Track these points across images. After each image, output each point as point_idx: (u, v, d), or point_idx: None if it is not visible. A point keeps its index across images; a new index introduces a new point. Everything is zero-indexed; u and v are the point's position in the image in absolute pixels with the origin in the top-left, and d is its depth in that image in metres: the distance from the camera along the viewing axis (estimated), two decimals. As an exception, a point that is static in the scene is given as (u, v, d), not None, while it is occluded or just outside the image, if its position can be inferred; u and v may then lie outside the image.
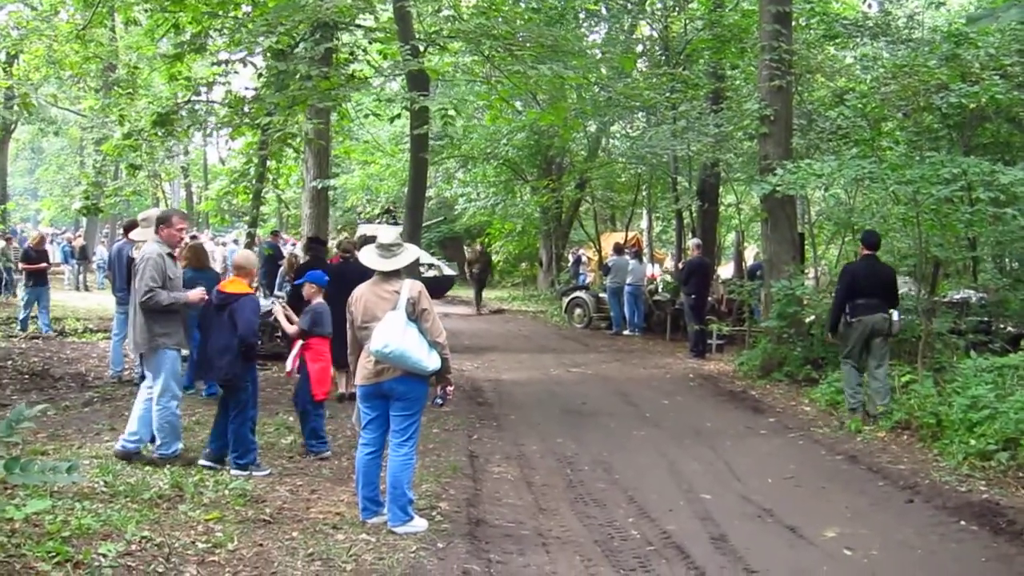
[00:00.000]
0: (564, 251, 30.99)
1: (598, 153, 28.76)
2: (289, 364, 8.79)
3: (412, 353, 6.38)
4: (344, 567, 5.73)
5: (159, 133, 14.13)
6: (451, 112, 13.79)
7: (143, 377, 8.34)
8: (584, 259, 31.19)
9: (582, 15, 22.22)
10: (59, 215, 41.23)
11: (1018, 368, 9.84)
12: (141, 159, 15.10)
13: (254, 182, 16.62)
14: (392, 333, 6.33)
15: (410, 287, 6.53)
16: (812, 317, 14.32)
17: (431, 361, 6.48)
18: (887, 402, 10.68)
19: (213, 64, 14.85)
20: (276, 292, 16.80)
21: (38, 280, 17.37)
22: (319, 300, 9.03)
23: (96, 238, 34.97)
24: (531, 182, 29.50)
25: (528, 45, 14.20)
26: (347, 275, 11.90)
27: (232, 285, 8.07)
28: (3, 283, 24.08)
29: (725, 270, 25.13)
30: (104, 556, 5.37)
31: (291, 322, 9.01)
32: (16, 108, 24.97)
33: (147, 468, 7.57)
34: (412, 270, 6.78)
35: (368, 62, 16.50)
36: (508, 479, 8.41)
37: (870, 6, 21.51)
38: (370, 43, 16.57)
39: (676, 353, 17.56)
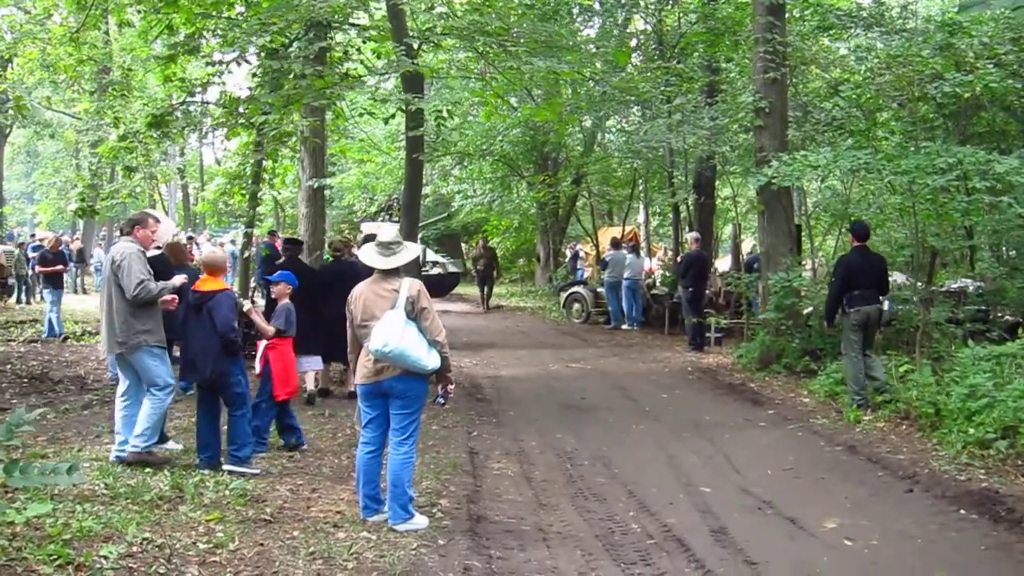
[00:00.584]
0: (561, 246, 30.99)
1: (594, 148, 28.75)
2: (257, 365, 8.80)
3: (412, 352, 6.37)
4: (345, 565, 5.74)
5: (154, 135, 14.12)
6: (444, 113, 13.80)
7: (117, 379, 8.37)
8: (582, 254, 31.20)
9: (576, 10, 22.19)
10: (56, 218, 41.19)
11: (1016, 356, 9.85)
12: (137, 161, 15.09)
13: (250, 183, 16.61)
14: (391, 332, 6.33)
15: (409, 285, 6.51)
16: (810, 308, 14.34)
17: (431, 360, 6.48)
18: (878, 384, 10.74)
19: (207, 64, 14.81)
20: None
21: (55, 283, 17.41)
22: (287, 300, 9.05)
23: (93, 241, 34.95)
24: (527, 178, 29.47)
25: (522, 41, 14.18)
26: (340, 274, 12.00)
27: (207, 283, 8.02)
28: (22, 290, 23.98)
29: (722, 263, 25.13)
30: (105, 558, 5.38)
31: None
32: (11, 112, 24.91)
33: (147, 470, 7.56)
34: (411, 269, 6.71)
35: (362, 62, 16.47)
36: (508, 475, 8.42)
37: (863, -3, 21.51)
38: (364, 42, 16.54)
39: (674, 347, 17.57)
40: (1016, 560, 6.22)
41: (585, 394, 12.80)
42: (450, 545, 6.24)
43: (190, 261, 16.45)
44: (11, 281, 24.51)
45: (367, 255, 6.73)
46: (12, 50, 20.41)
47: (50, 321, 16.98)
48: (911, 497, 7.69)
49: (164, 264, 9.14)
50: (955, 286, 15.15)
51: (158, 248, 9.07)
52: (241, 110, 13.89)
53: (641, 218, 30.82)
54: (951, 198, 11.69)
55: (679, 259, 20.01)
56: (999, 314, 13.93)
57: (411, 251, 6.87)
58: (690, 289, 17.26)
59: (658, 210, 30.25)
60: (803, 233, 17.16)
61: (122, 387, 8.08)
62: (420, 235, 19.19)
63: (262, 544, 5.97)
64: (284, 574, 5.55)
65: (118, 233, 9.09)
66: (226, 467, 7.77)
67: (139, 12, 17.58)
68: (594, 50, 19.65)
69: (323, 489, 7.48)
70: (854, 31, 17.29)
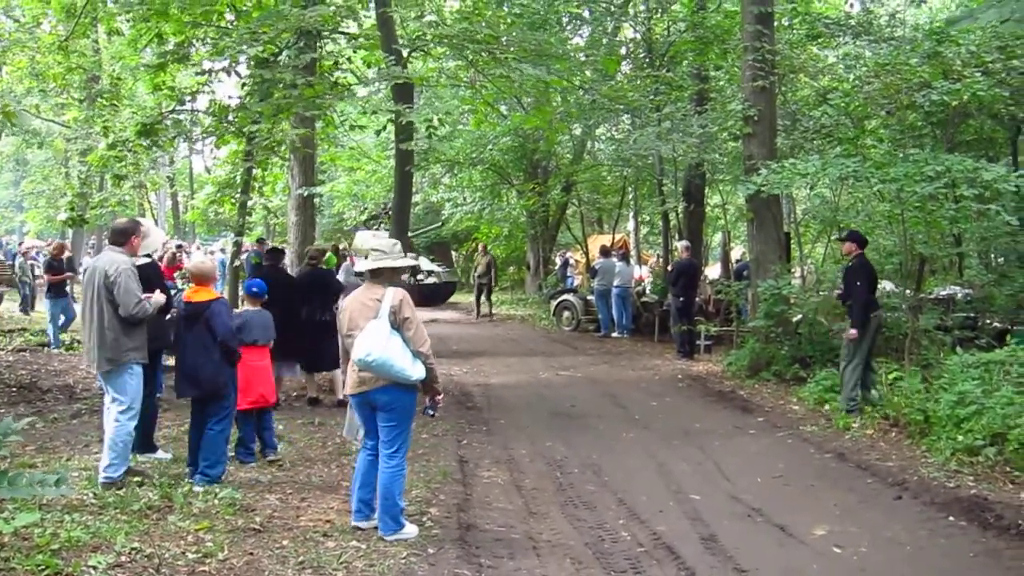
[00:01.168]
0: (551, 254, 30.99)
1: (583, 156, 28.78)
2: None
3: (395, 362, 6.34)
4: (335, 575, 5.74)
5: (144, 143, 14.09)
6: (435, 123, 13.81)
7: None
8: (572, 262, 31.21)
9: (565, 19, 22.26)
10: (44, 227, 41.05)
11: (1004, 363, 9.87)
12: (126, 170, 15.05)
13: (240, 191, 16.60)
14: (375, 342, 6.31)
15: (392, 295, 6.48)
16: (799, 316, 14.35)
17: (415, 370, 6.44)
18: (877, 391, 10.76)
19: (197, 73, 14.80)
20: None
21: (59, 292, 17.20)
22: (255, 308, 8.99)
23: (83, 250, 34.81)
24: (517, 186, 29.49)
25: (512, 49, 14.21)
26: (317, 282, 12.04)
27: (198, 294, 7.94)
28: (25, 299, 23.64)
29: (712, 271, 25.17)
30: (94, 568, 5.38)
31: None
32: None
33: (135, 480, 7.54)
34: (391, 278, 6.64)
35: (352, 71, 16.49)
36: (498, 483, 8.42)
37: (852, 5, 21.65)
38: (354, 51, 16.56)
39: (664, 354, 17.58)
40: (1005, 567, 6.24)
41: (575, 402, 12.80)
42: (440, 554, 6.23)
43: (179, 269, 16.46)
44: (1, 289, 24.38)
45: (364, 264, 6.72)
46: (1, 58, 20.37)
47: (53, 331, 16.75)
48: (900, 504, 7.71)
49: (154, 273, 9.03)
50: (944, 293, 15.19)
51: (148, 256, 8.97)
52: (231, 119, 13.88)
53: (631, 226, 30.87)
54: (939, 206, 11.73)
55: (669, 267, 20.05)
56: (987, 321, 13.97)
57: (406, 259, 6.89)
58: (680, 297, 17.28)
59: (648, 218, 30.29)
60: (792, 241, 17.19)
61: (108, 399, 7.97)
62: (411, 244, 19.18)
63: (251, 554, 5.96)
64: (273, 583, 5.55)
65: (107, 241, 8.96)
66: (196, 487, 7.54)
67: (128, 21, 17.55)
68: (583, 58, 19.71)
69: (312, 498, 7.46)
70: (842, 39, 17.35)
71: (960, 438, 8.86)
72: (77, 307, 15.72)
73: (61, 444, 9.12)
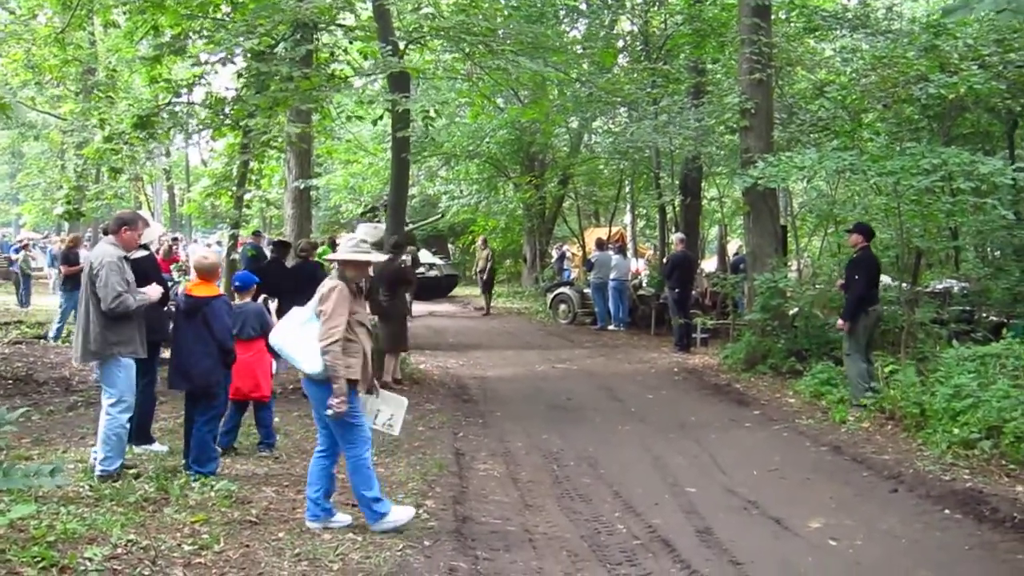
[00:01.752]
0: (548, 247, 31.00)
1: (580, 149, 28.78)
2: None
3: (290, 352, 6.38)
4: (331, 567, 5.74)
5: (140, 135, 14.05)
6: (432, 113, 13.78)
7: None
8: (568, 255, 31.20)
9: (562, 11, 22.22)
10: (40, 220, 40.96)
11: (1000, 357, 9.90)
12: (122, 162, 15.00)
13: (236, 184, 16.56)
14: (283, 329, 6.44)
15: (327, 285, 6.40)
16: (796, 309, 14.37)
17: (311, 363, 6.30)
18: (876, 385, 10.76)
19: (193, 65, 14.76)
20: None
21: (75, 284, 17.04)
22: (243, 300, 8.94)
23: (65, 243, 34.70)
24: (514, 179, 29.47)
25: (508, 42, 14.18)
26: (309, 274, 12.07)
27: (200, 288, 7.85)
28: (22, 293, 23.50)
29: (709, 264, 25.18)
30: (90, 560, 5.37)
31: None
32: (-4, 112, 24.84)
33: (132, 471, 7.53)
34: (354, 269, 6.51)
35: (348, 63, 16.46)
36: (494, 476, 8.42)
37: (849, -2, 21.59)
38: (350, 43, 16.53)
39: (661, 347, 17.59)
40: (1000, 559, 6.25)
41: (571, 395, 12.81)
42: (436, 546, 6.23)
43: (175, 262, 16.45)
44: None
45: (346, 252, 6.61)
46: (-4, 51, 20.32)
47: (60, 330, 16.57)
48: (896, 497, 7.72)
49: (150, 266, 8.95)
50: (940, 287, 15.23)
51: (145, 249, 8.90)
52: (227, 111, 13.86)
53: (627, 219, 30.87)
54: (936, 199, 11.74)
55: (664, 260, 20.05)
56: (984, 314, 14.02)
57: (361, 253, 6.63)
58: (676, 290, 17.29)
59: (644, 211, 30.30)
60: (789, 234, 17.20)
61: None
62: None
63: (247, 546, 5.96)
64: (269, 575, 5.54)
65: (102, 233, 8.89)
66: (192, 481, 7.46)
67: (125, 13, 17.49)
68: (580, 51, 19.68)
69: (308, 490, 7.45)
70: (840, 32, 17.35)
71: (956, 431, 8.87)
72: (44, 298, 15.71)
73: (57, 436, 9.10)
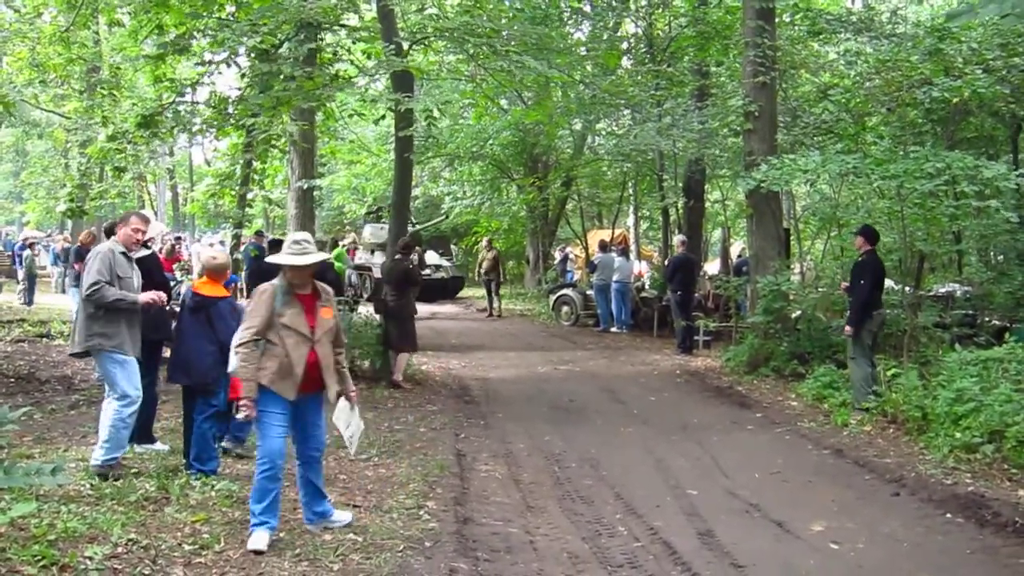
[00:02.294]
0: (551, 249, 30.98)
1: (584, 151, 28.76)
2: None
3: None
4: (331, 567, 5.73)
5: (144, 134, 14.08)
6: (435, 113, 13.78)
7: None
8: (571, 257, 31.18)
9: (566, 13, 22.22)
10: (44, 218, 41.03)
11: (1003, 361, 9.88)
12: (126, 161, 15.03)
13: (239, 184, 16.58)
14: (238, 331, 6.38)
15: (260, 287, 6.33)
16: (798, 312, 14.35)
17: (232, 364, 6.36)
18: (878, 389, 10.74)
19: (197, 64, 14.79)
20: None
21: None
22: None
23: (78, 240, 34.76)
24: (517, 180, 29.44)
25: (513, 43, 14.18)
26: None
27: (207, 287, 7.86)
28: (26, 291, 23.47)
29: (712, 266, 25.16)
30: (90, 559, 5.37)
31: None
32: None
33: (132, 471, 7.53)
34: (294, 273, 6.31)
35: (352, 62, 16.47)
36: (496, 477, 8.42)
37: (853, 1, 21.57)
38: (354, 43, 16.54)
39: (663, 350, 17.58)
40: (1002, 564, 6.24)
41: (574, 396, 12.81)
42: (436, 547, 6.22)
43: (178, 260, 16.41)
44: None
45: (281, 257, 6.34)
46: (1, 49, 20.33)
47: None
48: (898, 501, 7.71)
49: (154, 265, 8.92)
50: (943, 290, 15.20)
51: (147, 248, 8.89)
52: (230, 111, 13.87)
53: (631, 221, 30.87)
54: (939, 202, 11.71)
55: (666, 262, 20.04)
56: (986, 318, 13.98)
57: (320, 253, 6.48)
58: (678, 292, 17.28)
59: (647, 213, 30.28)
60: (792, 237, 17.19)
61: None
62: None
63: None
64: (269, 575, 5.54)
65: (104, 234, 8.91)
66: (193, 479, 7.44)
67: (129, 12, 17.54)
68: (584, 53, 19.69)
69: (310, 491, 7.44)
70: (844, 36, 17.33)
71: (958, 435, 8.86)
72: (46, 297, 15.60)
73: (59, 435, 9.10)
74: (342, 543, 6.14)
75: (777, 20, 15.80)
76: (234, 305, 8.22)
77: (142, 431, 8.41)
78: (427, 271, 27.03)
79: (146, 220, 8.09)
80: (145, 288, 7.81)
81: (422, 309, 22.12)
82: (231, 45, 13.18)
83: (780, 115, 15.84)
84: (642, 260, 26.80)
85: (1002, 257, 16.03)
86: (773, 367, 13.81)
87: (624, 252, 21.80)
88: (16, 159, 50.30)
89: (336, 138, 26.55)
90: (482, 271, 25.19)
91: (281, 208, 26.75)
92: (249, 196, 17.93)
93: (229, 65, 13.94)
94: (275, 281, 6.27)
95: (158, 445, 8.62)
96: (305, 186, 17.40)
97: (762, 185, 12.86)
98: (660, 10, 22.42)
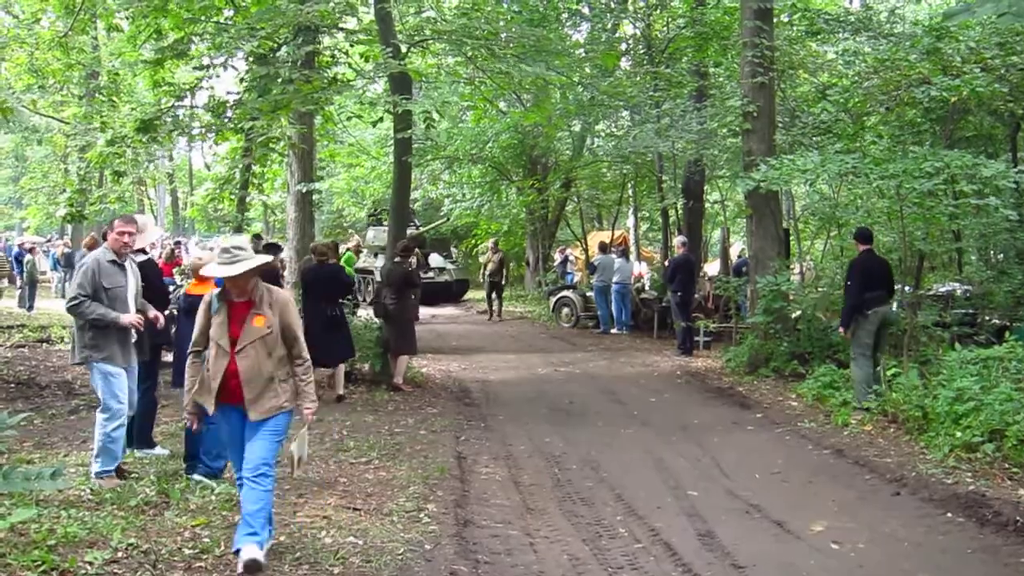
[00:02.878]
0: (551, 251, 30.97)
1: (583, 152, 28.75)
2: None
3: None
4: (331, 570, 5.73)
5: (142, 139, 14.09)
6: (433, 115, 13.78)
7: None
8: (571, 258, 31.17)
9: (564, 15, 22.24)
10: (44, 223, 41.03)
11: (1003, 360, 9.87)
12: (125, 166, 15.05)
13: (238, 188, 16.60)
14: None
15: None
16: (798, 312, 14.35)
17: None
18: (879, 388, 10.74)
19: (195, 69, 14.82)
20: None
21: None
22: None
23: (82, 246, 34.78)
24: (516, 182, 29.43)
25: (511, 45, 14.19)
26: (321, 278, 12.06)
27: (199, 288, 7.75)
28: (28, 296, 23.44)
29: (711, 267, 25.16)
30: (90, 564, 5.37)
31: None
32: (-2, 116, 24.90)
33: (132, 475, 7.53)
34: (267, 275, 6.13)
35: (350, 64, 16.48)
36: (496, 479, 8.41)
37: (851, 1, 21.58)
38: (352, 45, 16.55)
39: (663, 351, 17.57)
40: (1002, 563, 6.24)
41: (574, 398, 12.81)
42: (437, 550, 6.22)
43: (178, 265, 16.39)
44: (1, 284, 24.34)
45: (212, 268, 6.05)
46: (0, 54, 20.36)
47: None
48: (898, 500, 7.71)
49: (151, 270, 8.87)
50: (943, 290, 15.20)
51: (144, 252, 8.81)
52: (229, 115, 13.88)
53: (630, 222, 30.87)
54: (938, 202, 11.70)
55: (666, 263, 20.04)
56: (986, 317, 13.99)
57: (255, 259, 5.93)
58: (678, 293, 17.27)
59: (647, 214, 30.28)
60: (791, 237, 17.19)
61: None
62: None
63: (248, 549, 5.95)
64: (270, 579, 5.54)
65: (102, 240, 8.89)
66: (196, 476, 7.54)
67: (128, 17, 17.55)
68: (583, 54, 19.71)
69: (309, 494, 7.44)
70: (842, 35, 17.33)
71: (958, 434, 8.85)
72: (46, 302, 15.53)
73: (59, 440, 9.11)
74: (342, 546, 6.14)
75: (775, 20, 15.80)
76: None
77: (141, 436, 8.43)
78: (431, 274, 26.93)
79: (131, 222, 7.76)
80: (145, 293, 7.80)
81: (423, 312, 22.14)
82: (229, 49, 13.20)
83: (779, 115, 15.84)
84: (642, 261, 26.80)
85: (1002, 256, 16.04)
86: (773, 367, 13.81)
87: (624, 253, 21.78)
88: (16, 165, 50.34)
89: (335, 141, 26.59)
90: (487, 273, 25.01)
91: (279, 213, 26.80)
92: (248, 200, 17.95)
93: (226, 69, 13.93)
94: (213, 291, 6.04)
95: (158, 450, 8.62)
96: (304, 189, 17.42)
97: (761, 185, 12.85)
98: (658, 11, 22.42)
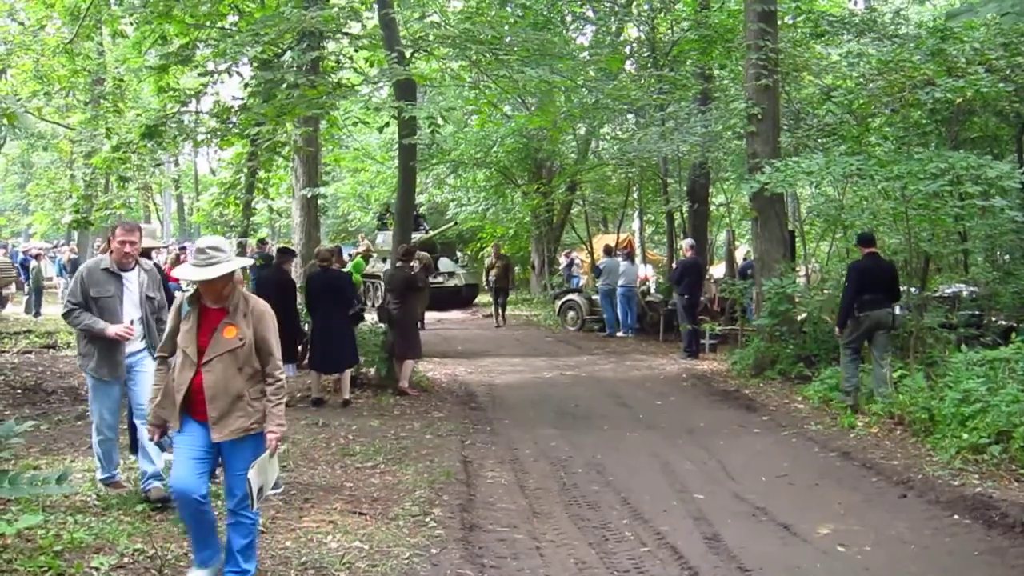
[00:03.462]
0: (556, 254, 30.98)
1: (588, 155, 28.76)
2: None
3: None
4: (337, 575, 5.73)
5: (148, 145, 14.12)
6: (438, 120, 13.80)
7: None
8: (577, 261, 31.17)
9: (569, 18, 22.26)
10: (50, 229, 41.12)
11: (1009, 361, 9.85)
12: (130, 171, 15.09)
13: (244, 192, 16.63)
14: None
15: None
16: (804, 315, 14.33)
17: None
18: (883, 391, 10.72)
19: (200, 75, 14.84)
20: None
21: None
22: None
23: (88, 251, 34.84)
24: (521, 186, 29.44)
25: (515, 49, 14.20)
26: (327, 283, 12.08)
27: None
28: (34, 302, 23.46)
29: (717, 269, 25.13)
30: (96, 569, 5.38)
31: None
32: (3, 123, 24.92)
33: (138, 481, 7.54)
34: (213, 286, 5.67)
35: (355, 69, 16.51)
36: (502, 483, 8.41)
37: (855, 3, 21.57)
38: (356, 51, 16.58)
39: (669, 354, 17.56)
40: (1010, 565, 6.22)
41: (580, 401, 12.79)
42: (443, 554, 6.22)
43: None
44: (4, 292, 24.37)
45: (184, 271, 5.63)
46: (5, 61, 20.41)
47: None
48: (905, 503, 7.70)
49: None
50: (949, 291, 15.16)
51: (148, 258, 8.76)
52: (234, 120, 13.91)
53: (635, 225, 30.87)
54: (944, 203, 11.70)
55: (674, 266, 20.03)
56: (993, 319, 13.95)
57: (234, 261, 5.43)
58: (685, 296, 17.25)
59: (652, 217, 30.27)
60: (797, 239, 17.16)
61: None
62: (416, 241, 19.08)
63: (254, 554, 5.95)
64: (276, 584, 5.54)
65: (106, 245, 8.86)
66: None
67: (133, 23, 17.59)
68: (587, 58, 19.71)
69: (316, 499, 7.45)
70: (846, 37, 17.33)
71: (965, 436, 8.83)
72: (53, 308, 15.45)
73: (65, 446, 9.12)
74: (348, 551, 6.14)
75: (779, 23, 15.80)
76: None
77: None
78: (440, 279, 26.83)
79: (130, 229, 7.37)
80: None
81: (429, 316, 22.13)
82: (233, 54, 13.22)
83: (783, 117, 15.83)
84: (647, 264, 26.78)
85: (1008, 257, 16.01)
86: (779, 370, 13.79)
87: (629, 256, 21.80)
88: (22, 171, 50.48)
89: (340, 146, 26.62)
90: (491, 279, 24.87)
91: (284, 217, 26.82)
92: (253, 205, 17.98)
93: (231, 75, 13.96)
94: (188, 294, 5.56)
95: (167, 455, 8.60)
96: (310, 194, 17.44)
97: (766, 188, 12.86)
98: (662, 14, 22.43)
